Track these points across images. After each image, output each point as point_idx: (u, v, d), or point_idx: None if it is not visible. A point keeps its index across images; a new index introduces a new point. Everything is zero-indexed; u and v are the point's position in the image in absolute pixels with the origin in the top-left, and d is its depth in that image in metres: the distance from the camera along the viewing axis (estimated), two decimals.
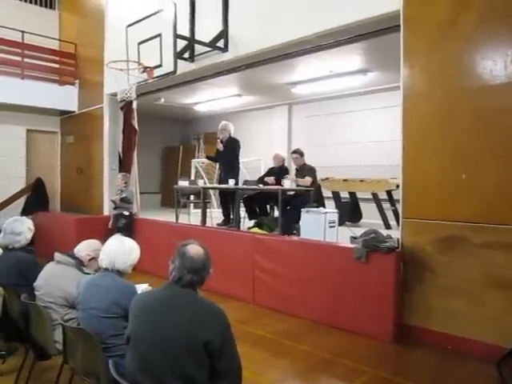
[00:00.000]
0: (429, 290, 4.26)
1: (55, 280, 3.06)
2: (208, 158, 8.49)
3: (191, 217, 8.03)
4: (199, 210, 7.87)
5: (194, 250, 2.18)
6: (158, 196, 13.67)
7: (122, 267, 2.71)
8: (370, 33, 5.27)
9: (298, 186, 6.40)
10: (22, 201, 9.94)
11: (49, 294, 3.03)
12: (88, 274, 3.08)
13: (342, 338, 4.45)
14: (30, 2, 10.58)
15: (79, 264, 3.13)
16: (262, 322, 4.91)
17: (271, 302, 5.37)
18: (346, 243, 5.00)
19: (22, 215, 8.02)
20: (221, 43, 6.33)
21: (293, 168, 7.33)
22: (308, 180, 6.42)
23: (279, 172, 6.92)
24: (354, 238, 4.80)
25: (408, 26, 4.45)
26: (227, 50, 6.33)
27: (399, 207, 4.75)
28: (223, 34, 6.31)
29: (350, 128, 10.01)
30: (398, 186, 6.87)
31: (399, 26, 4.53)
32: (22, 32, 9.30)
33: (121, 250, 2.73)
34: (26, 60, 9.55)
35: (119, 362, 2.28)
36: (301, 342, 4.34)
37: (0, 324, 3.61)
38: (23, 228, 3.69)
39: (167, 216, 8.25)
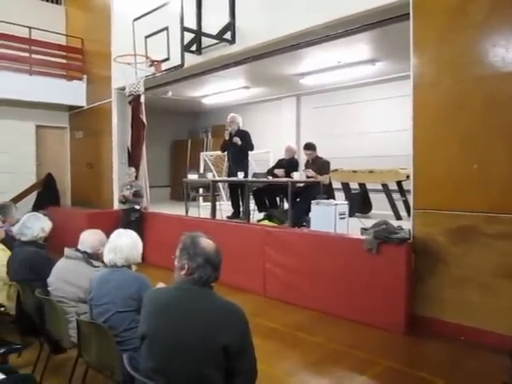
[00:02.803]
0: (441, 281, 4.24)
1: (65, 275, 3.08)
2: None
3: (201, 210, 8.04)
4: (208, 203, 7.89)
5: (210, 244, 2.07)
6: (167, 189, 13.69)
7: (134, 260, 2.74)
8: (378, 22, 5.22)
9: (307, 177, 6.36)
10: (32, 196, 10.02)
11: (60, 289, 3.06)
12: (97, 266, 3.09)
13: (353, 329, 4.45)
14: None
15: (88, 257, 3.13)
16: (273, 314, 4.93)
17: (282, 294, 5.38)
18: (356, 235, 4.99)
19: (33, 210, 8.09)
20: (228, 35, 6.30)
21: (302, 160, 7.30)
22: (326, 177, 6.42)
23: (289, 164, 6.88)
24: (364, 230, 4.78)
25: (417, 15, 4.40)
26: (234, 42, 6.29)
27: (410, 198, 4.72)
28: (230, 26, 6.27)
29: (359, 118, 9.93)
30: (408, 177, 6.83)
31: (409, 14, 4.48)
32: (29, 28, 9.33)
33: (132, 245, 2.74)
34: (33, 56, 9.59)
35: (133, 355, 2.29)
36: (312, 333, 4.36)
37: (15, 318, 3.67)
38: (35, 225, 3.70)
39: (177, 209, 8.28)
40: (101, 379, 2.83)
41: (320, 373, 3.66)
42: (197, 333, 1.88)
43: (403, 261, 4.31)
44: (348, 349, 3.97)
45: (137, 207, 7.69)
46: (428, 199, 4.37)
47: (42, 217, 3.90)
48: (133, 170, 8.01)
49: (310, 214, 5.76)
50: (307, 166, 6.66)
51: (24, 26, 9.21)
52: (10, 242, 3.91)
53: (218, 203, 7.45)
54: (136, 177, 8.12)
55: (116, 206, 8.83)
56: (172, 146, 14.36)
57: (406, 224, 4.74)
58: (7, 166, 9.61)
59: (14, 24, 8.94)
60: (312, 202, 5.70)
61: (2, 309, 3.66)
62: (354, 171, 8.16)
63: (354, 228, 5.42)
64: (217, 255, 2.06)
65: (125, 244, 2.70)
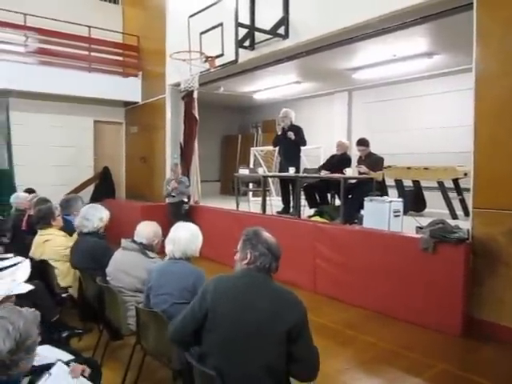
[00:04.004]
0: (501, 284, 4.05)
1: (123, 266, 3.20)
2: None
3: (251, 205, 8.10)
4: (258, 198, 7.92)
5: (271, 237, 2.19)
6: (217, 184, 13.88)
7: (192, 253, 2.79)
8: (438, 13, 5.02)
9: (360, 173, 6.26)
10: (90, 189, 10.45)
11: (118, 280, 3.18)
12: (153, 258, 3.19)
13: (406, 329, 4.36)
14: None
15: (143, 249, 3.22)
16: (323, 311, 4.89)
17: (332, 291, 5.35)
18: (411, 233, 4.86)
19: (90, 202, 8.45)
20: (281, 30, 6.24)
21: (354, 156, 7.18)
22: (380, 173, 6.31)
23: (341, 160, 6.80)
24: (420, 228, 4.65)
25: (482, 4, 4.20)
26: (288, 37, 6.23)
27: (467, 196, 4.53)
28: (284, 21, 6.22)
29: (414, 114, 9.63)
30: (466, 174, 6.57)
31: (471, 4, 4.29)
32: (89, 27, 9.71)
33: (190, 239, 2.79)
34: (92, 54, 9.97)
35: None
36: (363, 332, 4.30)
37: (77, 304, 3.86)
38: (94, 216, 3.86)
39: (226, 204, 8.38)
40: (158, 366, 2.92)
41: (371, 372, 3.61)
42: (263, 319, 1.96)
43: (461, 261, 4.16)
44: (401, 349, 3.89)
45: (185, 199, 7.85)
46: (489, 198, 4.18)
47: (100, 207, 4.05)
48: (178, 167, 8.15)
49: (363, 211, 5.66)
50: (360, 162, 6.55)
51: (84, 26, 9.60)
52: (72, 232, 4.11)
53: (268, 198, 7.48)
54: (188, 173, 8.29)
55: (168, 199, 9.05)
56: (222, 140, 14.53)
57: (463, 223, 4.56)
58: (69, 159, 10.10)
59: (75, 24, 9.34)
60: (365, 198, 5.60)
61: (70, 290, 3.86)
62: (409, 168, 7.91)
63: (408, 226, 5.28)
64: (277, 247, 2.19)
65: (183, 236, 2.76)
